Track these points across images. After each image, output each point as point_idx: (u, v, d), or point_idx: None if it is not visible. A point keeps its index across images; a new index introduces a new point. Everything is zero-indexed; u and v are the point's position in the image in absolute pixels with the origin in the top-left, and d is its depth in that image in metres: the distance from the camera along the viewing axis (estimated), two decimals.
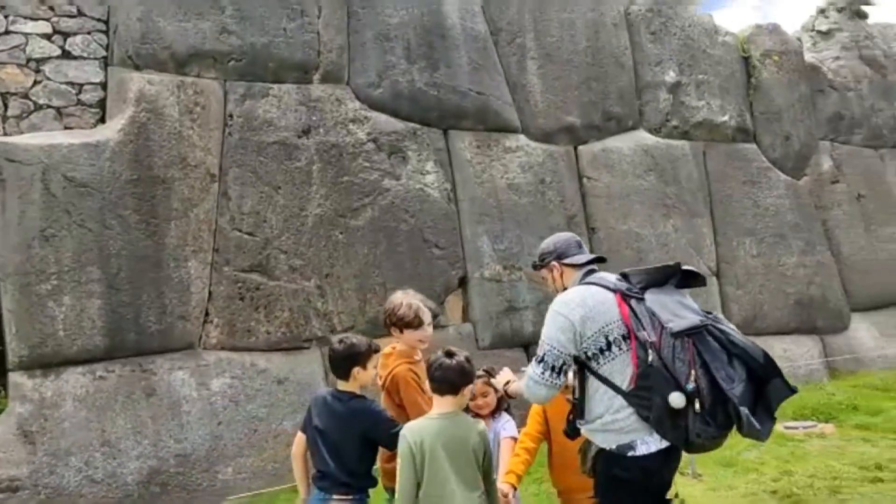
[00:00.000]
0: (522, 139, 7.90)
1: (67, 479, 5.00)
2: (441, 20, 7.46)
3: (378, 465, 3.18)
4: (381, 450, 3.12)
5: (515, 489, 3.12)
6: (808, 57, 10.90)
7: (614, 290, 2.78)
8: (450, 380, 2.80)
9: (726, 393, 2.51)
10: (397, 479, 2.75)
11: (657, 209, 8.61)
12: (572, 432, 2.87)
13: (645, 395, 2.57)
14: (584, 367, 2.73)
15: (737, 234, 9.27)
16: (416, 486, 2.70)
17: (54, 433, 5.06)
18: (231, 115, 6.20)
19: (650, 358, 2.55)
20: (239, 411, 5.72)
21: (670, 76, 9.22)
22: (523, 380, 2.89)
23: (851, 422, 6.94)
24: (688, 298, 2.80)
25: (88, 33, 5.82)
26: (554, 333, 2.74)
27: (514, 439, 3.29)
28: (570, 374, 2.82)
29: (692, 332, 2.61)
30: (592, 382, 2.70)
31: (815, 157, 10.42)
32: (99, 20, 5.89)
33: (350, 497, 2.90)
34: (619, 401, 2.61)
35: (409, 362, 3.24)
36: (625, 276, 2.87)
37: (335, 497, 2.89)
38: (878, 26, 11.92)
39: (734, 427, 2.58)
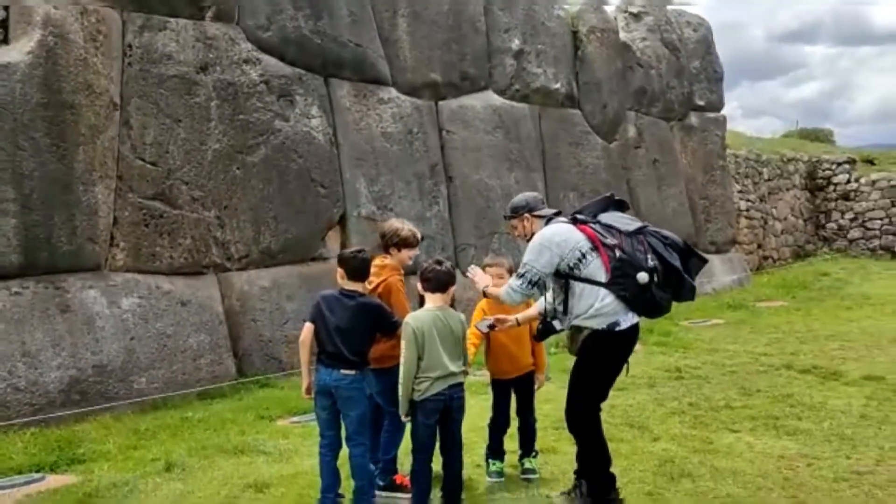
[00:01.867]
0: (394, 92, 8.76)
1: None
2: None
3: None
4: None
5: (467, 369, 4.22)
6: (622, 36, 12.72)
7: (574, 223, 3.88)
8: (442, 281, 3.78)
9: (673, 266, 3.74)
10: (402, 354, 3.66)
11: (503, 163, 9.93)
12: (541, 337, 4.07)
13: (620, 281, 3.69)
14: (567, 277, 3.80)
15: (563, 188, 10.90)
16: (417, 359, 3.66)
17: None
18: (130, 46, 6.39)
19: (618, 254, 3.71)
20: (148, 328, 6.16)
21: (516, 44, 10.48)
22: (502, 287, 3.99)
23: (651, 341, 8.79)
24: (626, 215, 4.00)
25: None
26: (535, 258, 3.81)
27: None
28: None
29: (641, 231, 3.82)
30: (577, 286, 3.78)
31: (624, 125, 12.36)
32: None
33: (354, 371, 3.79)
34: (603, 291, 3.72)
35: (399, 274, 4.17)
36: (577, 213, 3.99)
37: (342, 371, 3.76)
38: (674, 12, 14.07)
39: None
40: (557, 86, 10.95)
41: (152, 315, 6.22)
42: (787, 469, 4.52)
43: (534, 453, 4.51)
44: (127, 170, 6.28)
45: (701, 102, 14.07)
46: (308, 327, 3.88)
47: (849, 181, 18.34)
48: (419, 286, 3.90)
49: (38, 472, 4.66)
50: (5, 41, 5.72)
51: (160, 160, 6.47)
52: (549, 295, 3.95)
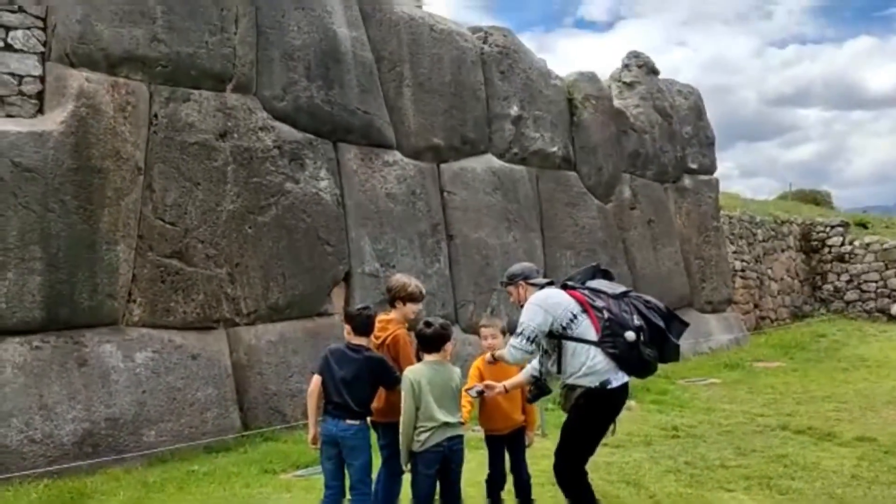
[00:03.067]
0: (398, 155, 9.18)
1: (10, 439, 5.43)
2: (336, 45, 8.51)
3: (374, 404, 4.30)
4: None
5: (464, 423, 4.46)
6: (616, 103, 13.28)
7: (564, 289, 4.23)
8: (433, 341, 4.09)
9: (657, 325, 4.03)
10: (402, 405, 3.93)
11: (501, 222, 10.29)
12: (534, 398, 4.43)
13: (609, 339, 3.98)
14: (560, 338, 4.09)
15: (560, 247, 11.23)
16: (415, 410, 3.92)
17: None
18: (156, 115, 6.81)
19: (606, 315, 4.01)
20: (160, 381, 6.38)
21: (514, 110, 10.97)
22: (506, 347, 4.31)
23: (647, 399, 9.00)
24: (611, 282, 4.32)
25: (28, 28, 6.16)
26: (531, 317, 4.12)
27: None
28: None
29: (626, 294, 4.16)
30: (569, 346, 4.06)
31: (619, 186, 12.78)
32: (37, 17, 6.24)
33: (359, 421, 4.05)
34: (594, 349, 4.01)
35: (404, 327, 4.45)
36: (567, 281, 4.33)
37: (348, 421, 4.00)
38: (664, 81, 14.70)
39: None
40: (554, 149, 11.40)
41: (164, 369, 6.45)
42: None
43: None
44: (148, 230, 6.61)
45: (694, 165, 14.55)
46: (316, 379, 4.13)
47: (843, 244, 18.70)
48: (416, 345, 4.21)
49: None
50: (41, 111, 6.12)
51: (179, 220, 6.81)
52: (543, 357, 4.22)
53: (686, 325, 4.31)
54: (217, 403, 6.79)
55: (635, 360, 4.03)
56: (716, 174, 15.34)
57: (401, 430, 3.93)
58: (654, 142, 13.60)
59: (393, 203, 8.92)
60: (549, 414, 7.10)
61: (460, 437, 4.03)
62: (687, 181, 14.34)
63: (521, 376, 4.49)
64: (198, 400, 6.61)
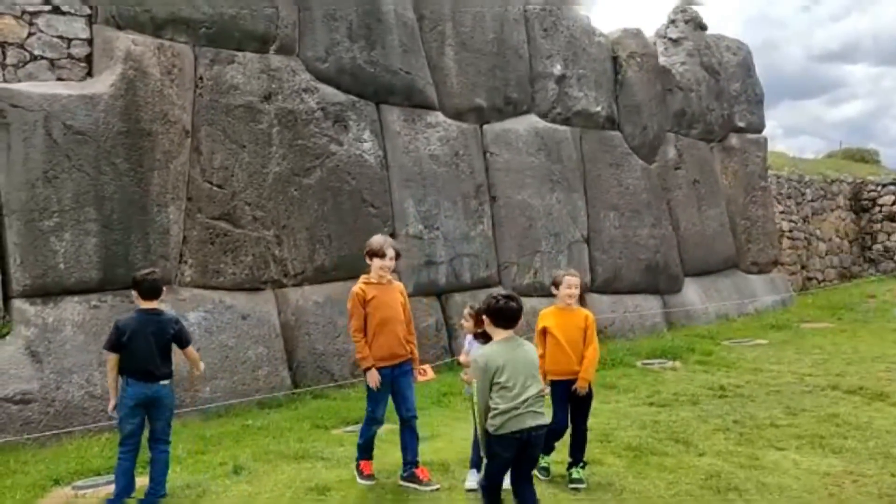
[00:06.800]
0: (441, 116, 9.10)
1: (72, 395, 5.64)
2: (378, 5, 8.41)
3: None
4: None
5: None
6: (662, 60, 12.93)
7: None
8: (505, 316, 3.67)
9: None
10: (477, 386, 3.63)
11: (545, 183, 10.18)
12: None
13: None
14: None
15: (603, 208, 11.08)
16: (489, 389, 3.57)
17: (58, 354, 5.65)
18: (202, 78, 6.85)
19: None
20: (212, 340, 6.53)
21: (557, 69, 10.76)
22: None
23: (692, 360, 8.93)
24: None
25: None
26: None
27: None
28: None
29: None
30: None
31: (664, 146, 12.50)
32: None
33: (168, 381, 4.41)
34: None
35: (364, 281, 4.66)
36: None
37: (161, 382, 4.36)
38: (713, 37, 14.24)
39: None
40: (598, 109, 11.18)
41: (216, 328, 6.59)
42: (832, 485, 4.62)
43: (582, 464, 4.71)
44: (196, 192, 6.70)
45: (741, 124, 14.15)
46: (113, 357, 4.28)
47: (894, 203, 18.12)
48: (485, 321, 3.80)
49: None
50: (90, 74, 6.20)
51: (226, 183, 6.88)
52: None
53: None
54: (268, 362, 6.93)
55: None
56: (763, 132, 14.91)
57: (476, 415, 3.71)
58: (700, 100, 13.24)
59: (436, 165, 8.88)
60: (596, 374, 7.08)
61: (542, 426, 3.66)
62: (734, 140, 13.96)
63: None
64: (249, 358, 6.75)
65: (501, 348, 3.66)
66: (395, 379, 4.69)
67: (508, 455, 3.59)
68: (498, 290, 3.99)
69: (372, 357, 4.58)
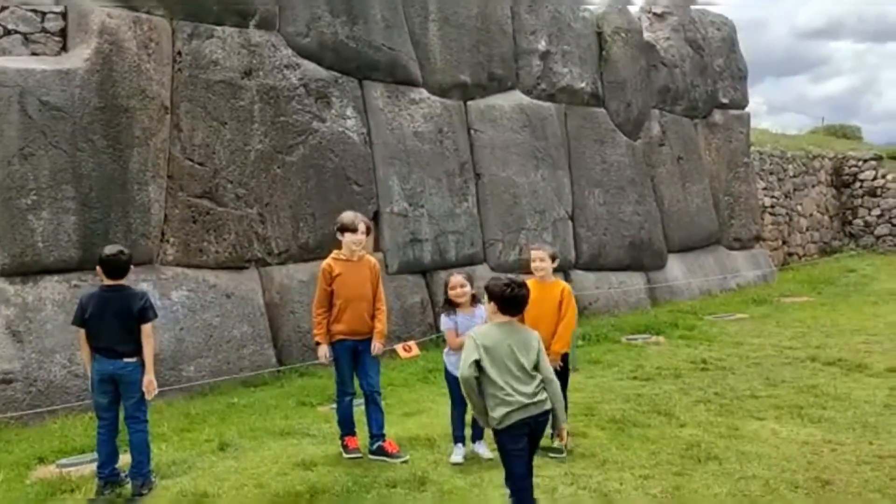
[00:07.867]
0: (424, 92, 9.03)
1: (54, 374, 5.60)
2: None
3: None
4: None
5: None
6: (647, 35, 12.87)
7: None
8: (507, 302, 3.53)
9: None
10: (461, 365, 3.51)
11: (529, 160, 10.16)
12: None
13: None
14: None
15: (588, 185, 11.09)
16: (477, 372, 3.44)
17: (39, 333, 5.60)
18: (180, 53, 6.74)
19: None
20: (196, 319, 6.50)
21: (542, 45, 10.69)
22: None
23: (675, 335, 9.01)
24: None
25: None
26: None
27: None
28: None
29: None
30: None
31: (648, 122, 12.50)
32: None
33: (135, 358, 4.21)
34: None
35: (334, 257, 4.79)
36: None
37: (125, 359, 4.20)
38: (697, 11, 14.17)
39: None
40: (583, 85, 11.15)
41: (200, 307, 6.56)
42: (811, 453, 4.70)
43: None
44: (177, 170, 6.62)
45: (725, 100, 14.17)
46: (82, 333, 4.21)
47: (875, 178, 18.30)
48: (491, 306, 3.64)
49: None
50: (64, 48, 6.08)
51: (207, 160, 6.81)
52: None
53: None
54: (252, 340, 6.91)
55: None
56: (747, 109, 14.94)
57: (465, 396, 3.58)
58: (684, 76, 13.23)
59: (420, 142, 8.82)
60: (580, 350, 7.15)
61: (546, 412, 3.54)
62: (717, 116, 13.99)
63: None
64: (234, 337, 6.73)
65: (497, 331, 3.53)
66: (359, 354, 4.80)
67: (521, 446, 3.47)
68: (507, 276, 3.72)
69: (335, 331, 4.74)
